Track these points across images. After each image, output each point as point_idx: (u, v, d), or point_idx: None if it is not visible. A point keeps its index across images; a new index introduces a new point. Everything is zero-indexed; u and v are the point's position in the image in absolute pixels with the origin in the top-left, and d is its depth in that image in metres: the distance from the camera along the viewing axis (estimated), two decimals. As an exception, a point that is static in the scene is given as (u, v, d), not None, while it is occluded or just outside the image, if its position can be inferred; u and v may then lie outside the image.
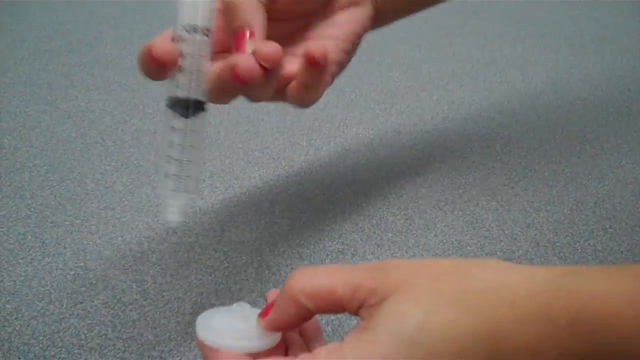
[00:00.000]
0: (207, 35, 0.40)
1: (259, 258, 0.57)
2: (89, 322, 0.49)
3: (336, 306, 0.37)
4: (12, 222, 0.59)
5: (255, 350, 0.38)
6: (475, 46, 1.06)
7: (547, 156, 0.75)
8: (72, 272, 0.54)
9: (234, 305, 0.40)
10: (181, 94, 0.40)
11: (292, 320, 0.37)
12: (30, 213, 0.61)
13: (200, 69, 0.40)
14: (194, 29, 0.39)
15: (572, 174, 0.72)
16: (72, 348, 0.47)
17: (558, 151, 0.77)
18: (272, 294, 0.41)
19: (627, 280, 0.32)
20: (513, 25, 1.17)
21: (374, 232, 0.61)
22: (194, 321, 0.49)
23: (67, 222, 0.60)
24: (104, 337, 0.48)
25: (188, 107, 0.40)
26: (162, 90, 0.88)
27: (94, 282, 0.53)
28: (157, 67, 0.40)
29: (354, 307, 0.36)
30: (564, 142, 0.79)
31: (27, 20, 1.07)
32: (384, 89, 0.90)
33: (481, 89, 0.92)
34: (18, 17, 1.08)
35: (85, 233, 0.59)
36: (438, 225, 0.62)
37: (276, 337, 0.38)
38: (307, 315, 0.37)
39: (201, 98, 0.40)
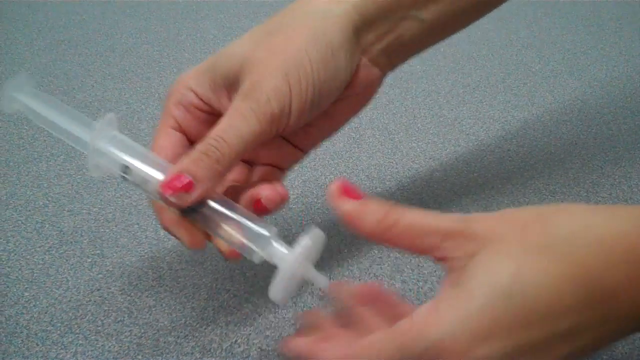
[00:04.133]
0: (124, 174, 0.42)
1: (273, 244, 0.57)
2: (106, 308, 0.50)
3: (419, 248, 0.37)
4: (29, 210, 0.60)
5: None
6: (492, 28, 1.05)
7: (563, 138, 0.75)
8: (89, 260, 0.55)
9: None
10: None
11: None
12: (47, 202, 0.61)
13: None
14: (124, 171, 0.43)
15: (588, 155, 0.71)
16: (89, 334, 0.48)
17: (574, 133, 0.76)
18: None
19: None
20: (529, 6, 1.16)
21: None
22: (210, 307, 0.50)
23: (84, 211, 0.60)
24: (120, 323, 0.49)
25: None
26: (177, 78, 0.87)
27: (110, 269, 0.54)
28: None
29: (438, 254, 0.36)
30: (580, 123, 0.78)
31: (43, 11, 1.08)
32: (399, 73, 0.89)
33: (497, 72, 0.91)
34: (34, 8, 1.09)
35: (102, 221, 0.59)
36: (453, 209, 0.62)
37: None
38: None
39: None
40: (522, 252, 0.34)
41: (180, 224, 0.43)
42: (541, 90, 0.87)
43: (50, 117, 0.42)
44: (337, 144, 0.72)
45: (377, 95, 0.52)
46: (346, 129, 0.74)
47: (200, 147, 0.40)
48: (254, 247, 0.41)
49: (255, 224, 0.42)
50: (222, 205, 0.42)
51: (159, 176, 0.41)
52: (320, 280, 0.41)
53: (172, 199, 0.40)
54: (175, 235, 0.43)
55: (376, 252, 0.56)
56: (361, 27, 0.46)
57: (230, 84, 0.43)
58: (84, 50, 0.94)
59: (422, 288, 0.52)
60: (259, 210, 0.44)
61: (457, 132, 0.76)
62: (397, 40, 0.48)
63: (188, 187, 0.39)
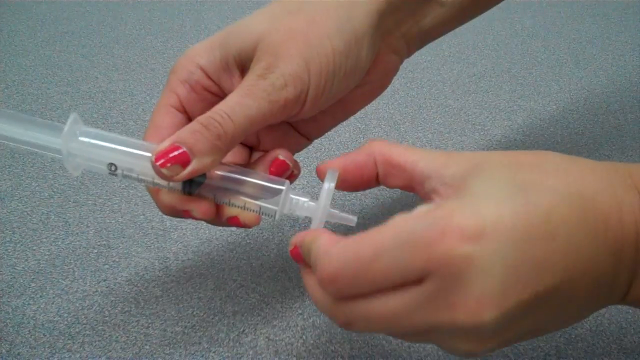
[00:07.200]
0: (109, 169, 0.39)
1: (280, 234, 0.57)
2: (113, 299, 0.50)
3: (406, 181, 0.37)
4: (35, 202, 0.60)
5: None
6: (497, 18, 1.04)
7: (570, 128, 0.75)
8: (95, 251, 0.55)
9: None
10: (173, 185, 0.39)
11: (356, 172, 0.39)
12: (53, 193, 0.61)
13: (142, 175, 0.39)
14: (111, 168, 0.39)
15: (594, 145, 0.71)
16: (96, 325, 0.48)
17: (580, 122, 0.76)
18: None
19: None
20: (535, -4, 1.16)
21: (395, 206, 0.61)
22: (216, 297, 0.50)
23: (90, 201, 0.60)
24: (127, 313, 0.49)
25: (191, 183, 0.39)
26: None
27: (117, 259, 0.54)
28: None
29: (424, 188, 0.36)
30: (587, 113, 0.78)
31: (46, 2, 1.07)
32: (405, 64, 0.89)
33: (503, 62, 0.91)
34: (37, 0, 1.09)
35: (107, 212, 0.59)
36: (459, 199, 0.62)
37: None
38: (371, 179, 0.38)
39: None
40: (514, 173, 0.32)
41: (185, 200, 0.39)
42: (547, 79, 0.86)
43: (9, 131, 0.37)
44: (343, 134, 0.72)
45: (383, 85, 0.52)
46: (352, 119, 0.74)
47: (201, 119, 0.37)
48: (273, 206, 0.40)
49: (269, 181, 0.40)
50: (229, 170, 0.40)
51: (149, 153, 0.37)
52: (349, 219, 0.41)
53: (165, 172, 0.36)
54: (180, 215, 0.40)
55: (383, 242, 0.56)
56: (385, 13, 0.42)
57: (244, 64, 0.40)
58: (87, 42, 0.94)
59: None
60: (278, 167, 0.42)
61: (462, 122, 0.76)
62: (417, 25, 0.46)
63: (183, 160, 0.36)
